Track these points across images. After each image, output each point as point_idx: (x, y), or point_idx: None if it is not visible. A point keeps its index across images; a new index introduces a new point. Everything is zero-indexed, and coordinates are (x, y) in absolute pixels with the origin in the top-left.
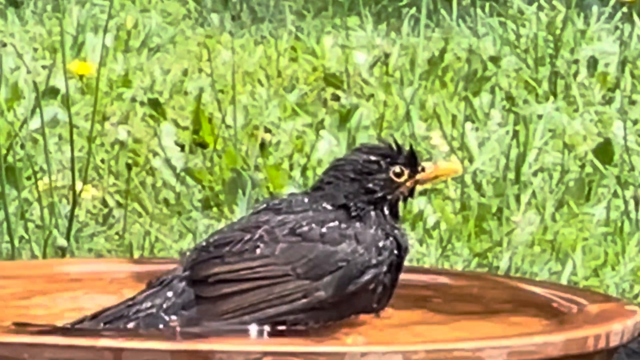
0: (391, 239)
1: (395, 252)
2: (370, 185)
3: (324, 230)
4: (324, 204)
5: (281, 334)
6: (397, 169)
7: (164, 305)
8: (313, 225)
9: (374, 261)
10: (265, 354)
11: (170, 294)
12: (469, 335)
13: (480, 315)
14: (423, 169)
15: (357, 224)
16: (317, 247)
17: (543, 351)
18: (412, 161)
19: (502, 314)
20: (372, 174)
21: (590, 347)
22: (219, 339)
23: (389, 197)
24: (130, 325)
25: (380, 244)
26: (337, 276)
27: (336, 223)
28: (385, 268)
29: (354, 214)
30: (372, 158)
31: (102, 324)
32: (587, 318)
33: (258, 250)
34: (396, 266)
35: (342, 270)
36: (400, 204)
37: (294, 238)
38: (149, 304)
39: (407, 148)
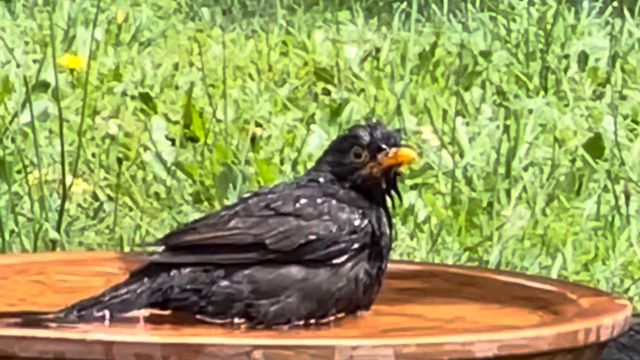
0: (366, 221)
1: (371, 234)
2: (336, 163)
3: (297, 205)
4: (303, 182)
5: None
6: (356, 149)
7: (139, 290)
8: (288, 200)
9: (345, 238)
10: (256, 347)
11: (145, 279)
12: (460, 328)
13: (470, 309)
14: (387, 154)
15: (333, 202)
16: (288, 220)
17: (534, 345)
18: (375, 144)
19: (492, 307)
20: (340, 152)
21: (581, 341)
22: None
23: (350, 177)
24: (105, 312)
25: (356, 223)
26: (306, 248)
27: (310, 199)
28: (356, 245)
29: (329, 191)
30: (343, 137)
31: (75, 312)
32: (577, 312)
33: (231, 223)
34: (377, 253)
35: (311, 244)
36: (389, 196)
37: (268, 212)
38: (124, 290)
39: (389, 130)
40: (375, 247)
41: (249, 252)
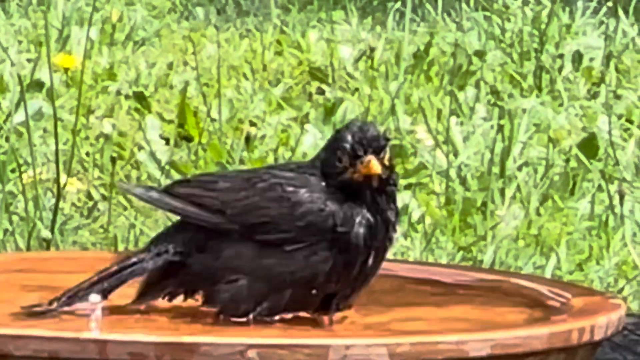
0: (329, 218)
1: (331, 231)
2: (326, 162)
3: (276, 187)
4: (301, 168)
5: (266, 327)
6: (339, 153)
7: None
8: (272, 180)
9: (297, 228)
10: (250, 346)
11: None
12: (453, 328)
13: (464, 309)
14: (362, 162)
15: (303, 193)
16: (254, 197)
17: (527, 344)
18: (354, 151)
19: (486, 307)
20: (329, 152)
21: (575, 341)
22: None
23: (335, 178)
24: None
25: (311, 218)
26: (259, 228)
27: (283, 184)
28: (311, 238)
29: (309, 183)
30: (334, 135)
31: (63, 299)
32: (571, 311)
33: (218, 185)
34: (344, 250)
35: (263, 225)
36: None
37: (248, 186)
38: (115, 267)
39: (371, 135)
40: (341, 244)
41: (213, 216)
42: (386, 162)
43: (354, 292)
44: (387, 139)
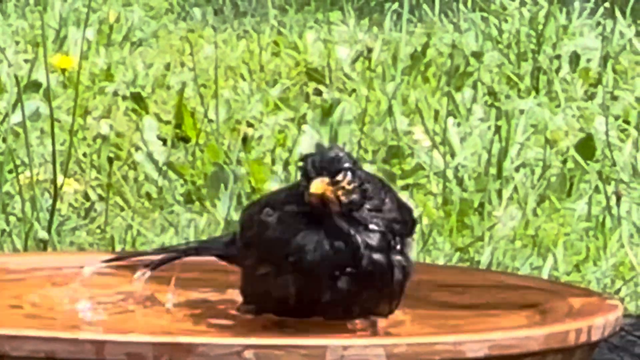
0: (285, 243)
1: (287, 257)
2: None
3: (262, 210)
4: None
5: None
6: (301, 174)
7: None
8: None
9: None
10: (247, 347)
11: None
12: (450, 328)
13: (460, 309)
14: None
15: (269, 218)
16: (249, 220)
17: (524, 345)
18: (307, 174)
19: (483, 307)
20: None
21: (572, 342)
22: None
23: (301, 203)
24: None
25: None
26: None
27: (271, 209)
28: (273, 264)
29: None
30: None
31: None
32: (568, 312)
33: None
34: (299, 271)
35: (246, 248)
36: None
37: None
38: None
39: (325, 159)
40: (297, 271)
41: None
42: (346, 186)
43: (334, 308)
44: (346, 163)
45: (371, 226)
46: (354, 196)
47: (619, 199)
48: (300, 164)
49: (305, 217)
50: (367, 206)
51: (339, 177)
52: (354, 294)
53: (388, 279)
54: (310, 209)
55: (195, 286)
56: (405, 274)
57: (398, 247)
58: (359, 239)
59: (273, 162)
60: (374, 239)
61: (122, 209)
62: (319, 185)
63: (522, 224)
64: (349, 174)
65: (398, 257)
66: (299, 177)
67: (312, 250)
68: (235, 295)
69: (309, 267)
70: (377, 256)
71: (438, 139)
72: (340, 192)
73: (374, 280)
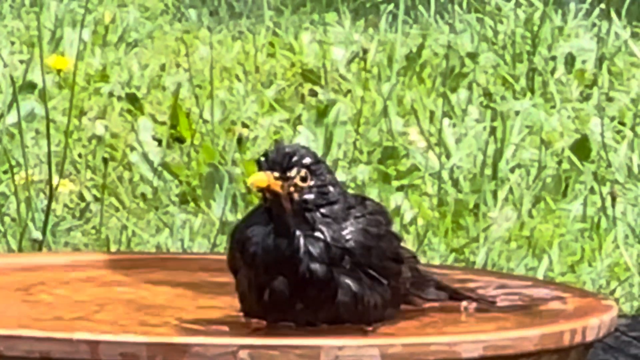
0: (235, 240)
1: (240, 250)
2: None
3: None
4: None
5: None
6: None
7: None
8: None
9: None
10: (242, 347)
11: None
12: (446, 329)
13: (455, 309)
14: None
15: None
16: None
17: (519, 346)
18: (261, 168)
19: (478, 308)
20: None
21: (567, 342)
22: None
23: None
24: None
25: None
26: None
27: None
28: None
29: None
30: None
31: None
32: (563, 313)
33: None
34: (256, 271)
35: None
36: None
37: None
38: None
39: (275, 155)
40: (247, 266)
41: None
42: (298, 182)
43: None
44: (305, 159)
45: (317, 233)
46: (308, 196)
47: (614, 199)
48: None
49: (265, 213)
50: (323, 210)
51: (291, 173)
52: (290, 298)
53: (327, 296)
54: (267, 205)
55: (189, 287)
56: (359, 301)
57: (347, 266)
58: (301, 241)
59: None
60: (315, 247)
61: (117, 210)
62: (258, 178)
63: (518, 224)
64: (304, 171)
65: (346, 279)
66: None
67: (255, 243)
68: (230, 295)
69: (250, 260)
70: (315, 266)
71: (433, 140)
72: (292, 189)
73: (310, 291)
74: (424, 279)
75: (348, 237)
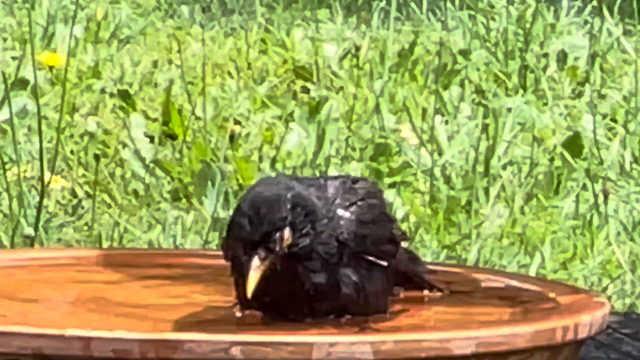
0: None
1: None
2: None
3: None
4: None
5: (251, 324)
6: None
7: None
8: None
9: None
10: (234, 343)
11: None
12: (437, 325)
13: (447, 306)
14: None
15: None
16: None
17: (511, 342)
18: None
19: (470, 304)
20: None
21: (559, 339)
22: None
23: None
24: None
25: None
26: None
27: None
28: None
29: None
30: None
31: None
32: (555, 310)
33: None
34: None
35: None
36: None
37: None
38: None
39: None
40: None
41: None
42: (285, 245)
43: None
44: (282, 224)
45: (314, 255)
46: (299, 242)
47: (606, 197)
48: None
49: None
50: (312, 233)
51: (276, 247)
52: (290, 293)
53: (330, 289)
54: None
55: (182, 283)
56: (361, 290)
57: (345, 259)
58: (302, 276)
59: (260, 159)
60: (314, 266)
61: (109, 206)
62: (252, 282)
63: (510, 221)
64: (287, 232)
65: (347, 271)
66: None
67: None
68: (223, 292)
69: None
70: (317, 279)
71: (425, 137)
72: (280, 253)
73: (311, 286)
74: (416, 254)
75: (341, 230)
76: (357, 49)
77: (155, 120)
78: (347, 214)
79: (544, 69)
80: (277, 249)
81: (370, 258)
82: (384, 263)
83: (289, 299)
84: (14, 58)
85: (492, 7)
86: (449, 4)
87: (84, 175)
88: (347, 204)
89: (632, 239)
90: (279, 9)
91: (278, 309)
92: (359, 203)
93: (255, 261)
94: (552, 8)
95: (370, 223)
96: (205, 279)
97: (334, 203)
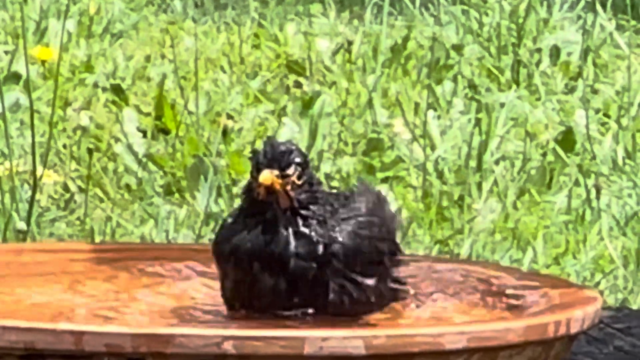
0: (219, 234)
1: (215, 248)
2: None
3: None
4: None
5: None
6: (252, 168)
7: None
8: None
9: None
10: (226, 338)
11: None
12: (430, 320)
13: (439, 301)
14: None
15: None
16: None
17: (503, 337)
18: (256, 165)
19: (462, 299)
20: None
21: (551, 334)
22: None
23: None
24: None
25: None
26: None
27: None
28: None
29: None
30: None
31: None
32: (547, 304)
33: None
34: (240, 266)
35: None
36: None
37: None
38: None
39: (276, 151)
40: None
41: None
42: (295, 181)
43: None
44: (298, 158)
45: (306, 231)
46: (304, 194)
47: (598, 192)
48: (251, 156)
49: (252, 210)
50: (314, 209)
51: (289, 171)
52: (279, 296)
53: (318, 295)
54: (257, 203)
55: (174, 279)
56: (349, 301)
57: (336, 266)
58: (291, 239)
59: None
60: (305, 246)
61: (102, 201)
62: (267, 176)
63: (502, 216)
64: (299, 169)
65: (336, 279)
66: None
67: (247, 241)
68: (214, 287)
69: (241, 258)
70: (304, 264)
71: (418, 132)
72: (288, 187)
73: (300, 289)
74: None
75: (337, 237)
76: (350, 43)
77: (148, 114)
78: (345, 225)
79: (537, 64)
80: (291, 173)
81: (359, 273)
82: (369, 282)
83: (272, 294)
84: (6, 52)
85: (485, 2)
86: None
87: (76, 170)
88: (347, 216)
89: (624, 234)
90: (272, 3)
91: (259, 305)
92: (360, 219)
93: (271, 171)
94: (545, 3)
95: (366, 239)
96: (197, 273)
97: (338, 208)
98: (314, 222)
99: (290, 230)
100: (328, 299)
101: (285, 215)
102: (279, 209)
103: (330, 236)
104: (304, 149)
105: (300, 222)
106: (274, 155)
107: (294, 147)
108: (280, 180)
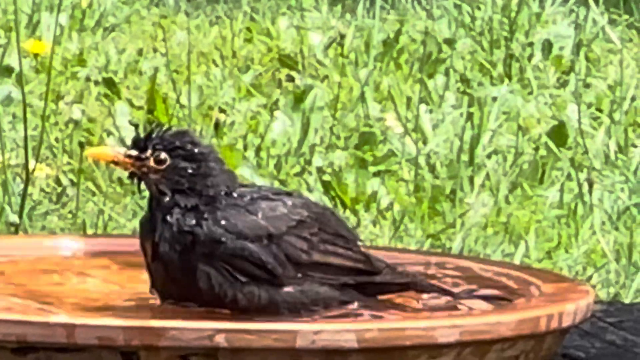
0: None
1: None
2: None
3: None
4: None
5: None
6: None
7: None
8: None
9: None
10: (218, 331)
11: None
12: (422, 314)
13: (431, 295)
14: None
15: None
16: None
17: (495, 331)
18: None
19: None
20: None
21: (543, 327)
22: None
23: None
24: None
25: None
26: None
27: None
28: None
29: None
30: None
31: None
32: (539, 298)
33: None
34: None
35: None
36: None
37: None
38: None
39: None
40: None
41: None
42: (152, 164)
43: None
44: (164, 142)
45: (168, 218)
46: (163, 179)
47: (591, 186)
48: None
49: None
50: (179, 196)
51: (146, 154)
52: (161, 279)
53: (189, 281)
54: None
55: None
56: (219, 291)
57: (203, 254)
58: (158, 225)
59: (245, 148)
60: (166, 232)
61: (94, 194)
62: (100, 151)
63: (494, 211)
64: (163, 154)
65: (205, 267)
66: (271, 165)
67: (142, 224)
68: None
69: (140, 242)
70: (167, 250)
71: (410, 126)
72: (145, 169)
73: (173, 275)
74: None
75: (202, 226)
76: (342, 37)
77: (140, 108)
78: (221, 216)
79: (529, 58)
80: (147, 156)
81: (230, 265)
82: (242, 278)
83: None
84: None
85: None
86: None
87: (68, 163)
88: (234, 211)
89: (616, 229)
90: None
91: (163, 291)
92: (253, 212)
93: (121, 151)
94: None
95: (237, 234)
96: None
97: (229, 202)
98: (176, 208)
99: (156, 216)
100: (197, 285)
101: (154, 200)
102: (155, 196)
103: (192, 223)
104: (295, 143)
105: (163, 207)
106: (138, 138)
107: (176, 133)
108: (130, 161)
